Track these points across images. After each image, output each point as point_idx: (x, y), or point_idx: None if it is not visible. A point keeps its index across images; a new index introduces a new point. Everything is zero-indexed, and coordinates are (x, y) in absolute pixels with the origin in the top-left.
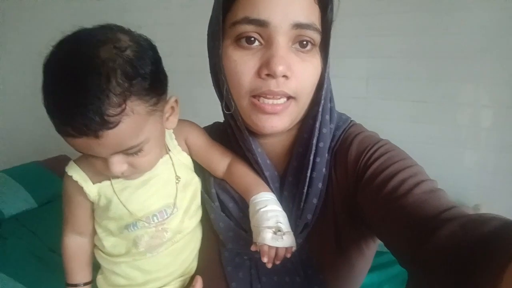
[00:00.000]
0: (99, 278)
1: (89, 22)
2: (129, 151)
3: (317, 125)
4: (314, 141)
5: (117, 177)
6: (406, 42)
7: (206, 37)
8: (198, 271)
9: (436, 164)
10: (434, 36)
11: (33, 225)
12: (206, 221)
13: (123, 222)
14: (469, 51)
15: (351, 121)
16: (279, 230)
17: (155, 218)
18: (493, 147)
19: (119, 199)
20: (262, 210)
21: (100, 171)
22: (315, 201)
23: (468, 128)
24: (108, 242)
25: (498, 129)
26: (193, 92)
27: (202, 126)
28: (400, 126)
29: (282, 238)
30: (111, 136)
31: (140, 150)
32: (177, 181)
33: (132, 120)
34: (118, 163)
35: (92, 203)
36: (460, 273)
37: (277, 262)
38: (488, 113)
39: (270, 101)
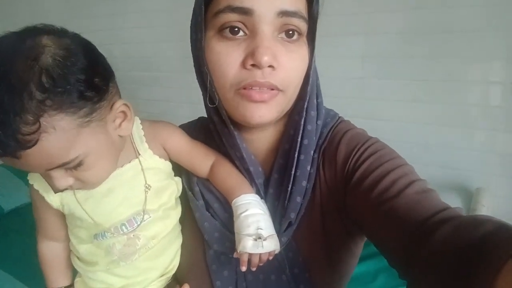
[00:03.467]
0: (77, 281)
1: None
2: (66, 166)
3: (302, 122)
4: (299, 139)
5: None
6: (404, 17)
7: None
8: (182, 270)
9: (438, 146)
10: (434, 10)
11: (33, 219)
12: (191, 219)
13: (91, 231)
14: (471, 25)
15: (339, 117)
16: (259, 237)
17: (123, 227)
18: (500, 128)
19: (83, 209)
20: (242, 215)
21: (52, 187)
22: (299, 199)
23: (472, 108)
24: (81, 248)
25: (507, 108)
26: (187, 78)
27: (190, 120)
28: (399, 106)
29: (263, 245)
30: (32, 156)
31: (79, 165)
32: (146, 189)
33: (55, 137)
34: (61, 178)
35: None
36: (455, 278)
37: (260, 264)
38: (497, 91)
39: (258, 88)
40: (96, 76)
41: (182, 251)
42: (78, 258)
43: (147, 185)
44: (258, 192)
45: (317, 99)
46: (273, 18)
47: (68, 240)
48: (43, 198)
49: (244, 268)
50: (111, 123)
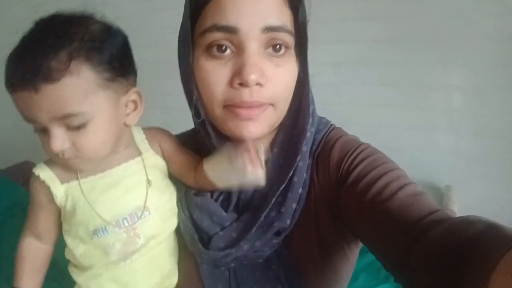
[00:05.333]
0: None
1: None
2: (70, 122)
3: (295, 129)
4: (304, 147)
5: (57, 155)
6: (377, 27)
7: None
8: (177, 285)
9: (409, 148)
10: (405, 20)
11: None
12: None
13: (91, 227)
14: (439, 34)
15: (331, 124)
16: None
17: (125, 221)
18: (466, 131)
19: (86, 199)
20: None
21: (47, 152)
22: (294, 205)
23: (440, 111)
24: (79, 251)
25: (470, 112)
26: (163, 84)
27: (164, 126)
28: (372, 111)
29: None
30: (49, 92)
31: (83, 125)
32: (147, 185)
33: (76, 82)
34: (59, 137)
35: (59, 210)
36: (448, 278)
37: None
38: (459, 95)
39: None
40: (125, 57)
41: (178, 267)
42: (75, 266)
43: (148, 180)
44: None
45: (312, 105)
46: (258, 35)
47: (51, 246)
48: (47, 189)
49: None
50: (123, 106)
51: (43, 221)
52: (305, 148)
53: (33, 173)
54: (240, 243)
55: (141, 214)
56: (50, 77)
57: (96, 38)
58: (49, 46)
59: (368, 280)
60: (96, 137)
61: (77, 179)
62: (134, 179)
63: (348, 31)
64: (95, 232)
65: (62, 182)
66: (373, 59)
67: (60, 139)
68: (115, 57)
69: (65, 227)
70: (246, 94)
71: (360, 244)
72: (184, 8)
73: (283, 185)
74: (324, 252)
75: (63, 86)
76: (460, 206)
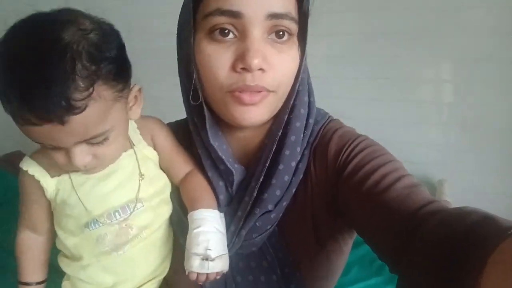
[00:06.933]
0: (66, 284)
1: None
2: (94, 140)
3: (285, 117)
4: (279, 133)
5: (78, 170)
6: (366, 19)
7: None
8: (171, 275)
9: (400, 142)
10: (395, 13)
11: None
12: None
13: (82, 220)
14: (428, 28)
15: (329, 116)
16: (207, 258)
17: (117, 214)
18: (455, 123)
19: (77, 195)
20: (194, 231)
21: (61, 166)
22: (278, 192)
23: (430, 105)
24: (70, 242)
25: (459, 105)
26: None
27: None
28: (362, 105)
29: (209, 266)
30: (77, 122)
31: (105, 139)
32: (140, 178)
33: (99, 105)
34: (82, 154)
35: (49, 202)
36: (445, 268)
37: (208, 281)
38: (449, 88)
39: (248, 92)
40: (126, 56)
41: (173, 257)
42: (65, 256)
43: (141, 173)
44: (228, 198)
45: (309, 97)
46: (262, 21)
47: (50, 234)
48: (37, 183)
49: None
50: (127, 104)
51: (35, 214)
52: (294, 138)
53: (20, 168)
54: (228, 229)
55: (134, 206)
56: (76, 110)
57: (99, 49)
58: (62, 73)
59: (360, 272)
60: (116, 144)
61: (67, 172)
62: (127, 172)
63: (337, 24)
64: (86, 225)
65: (52, 176)
66: (363, 53)
67: (82, 157)
68: (121, 63)
69: (55, 219)
70: (249, 78)
71: (354, 236)
72: None
73: (263, 172)
74: (319, 242)
75: (89, 112)
76: (452, 200)
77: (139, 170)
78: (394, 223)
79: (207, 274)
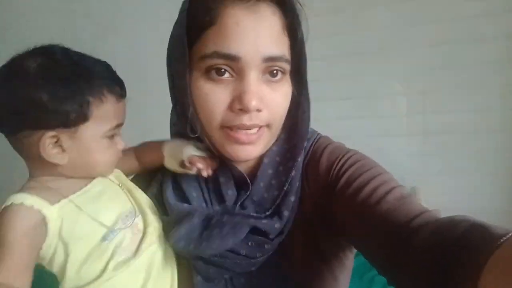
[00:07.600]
0: None
1: None
2: (111, 132)
3: (298, 143)
4: (300, 159)
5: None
6: (325, 43)
7: None
8: None
9: (371, 155)
10: (351, 35)
11: None
12: None
13: (98, 236)
14: (379, 46)
15: (318, 133)
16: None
17: (128, 218)
18: (416, 132)
19: (86, 212)
20: (178, 143)
21: (107, 156)
22: (286, 213)
23: (390, 118)
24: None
25: (416, 115)
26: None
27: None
28: (330, 124)
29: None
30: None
31: (117, 133)
32: (122, 188)
33: (107, 105)
34: (114, 142)
35: (39, 250)
36: (438, 280)
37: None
38: (403, 101)
39: (244, 131)
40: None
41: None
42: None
43: (119, 184)
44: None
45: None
46: (259, 63)
47: None
48: (36, 216)
49: (200, 165)
50: None
51: (22, 256)
52: (300, 159)
53: (7, 206)
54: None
55: (135, 211)
56: (88, 113)
57: (110, 69)
58: (79, 91)
59: (351, 285)
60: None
61: (64, 198)
62: (112, 187)
63: None
64: (103, 239)
65: (52, 203)
66: (326, 74)
67: (114, 143)
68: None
69: (68, 273)
70: (246, 118)
71: (354, 251)
72: (176, 24)
73: (282, 193)
74: (323, 259)
75: (100, 111)
76: (428, 205)
77: (116, 182)
78: (388, 235)
79: (204, 159)
